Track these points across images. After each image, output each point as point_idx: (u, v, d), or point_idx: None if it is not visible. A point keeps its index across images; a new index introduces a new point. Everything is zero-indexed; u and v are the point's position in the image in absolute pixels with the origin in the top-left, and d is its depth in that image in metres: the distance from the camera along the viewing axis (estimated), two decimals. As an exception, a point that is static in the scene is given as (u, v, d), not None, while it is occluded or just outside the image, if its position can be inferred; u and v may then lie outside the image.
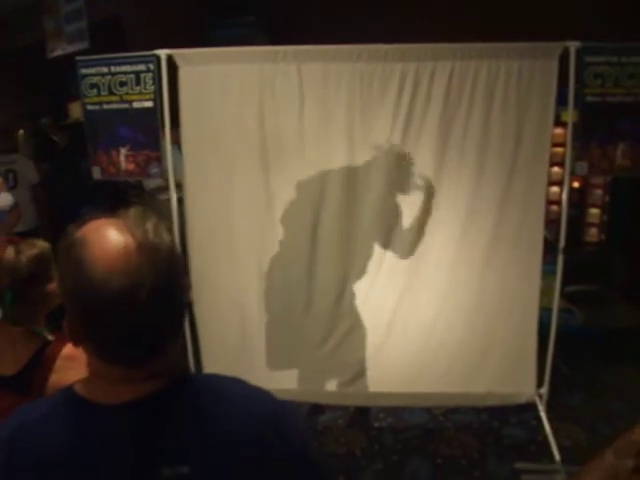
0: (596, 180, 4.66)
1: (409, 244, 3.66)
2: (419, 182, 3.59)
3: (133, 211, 1.11)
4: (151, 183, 4.56)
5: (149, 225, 1.06)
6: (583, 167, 3.53)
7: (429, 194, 3.60)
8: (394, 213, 3.64)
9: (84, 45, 4.87)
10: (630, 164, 3.49)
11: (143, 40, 3.73)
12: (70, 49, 5.02)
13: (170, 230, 1.14)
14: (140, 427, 1.04)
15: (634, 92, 3.40)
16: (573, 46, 3.37)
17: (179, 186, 3.73)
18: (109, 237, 1.03)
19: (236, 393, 1.18)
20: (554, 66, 3.41)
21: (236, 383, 1.22)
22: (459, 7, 4.39)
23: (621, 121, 3.44)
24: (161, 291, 1.00)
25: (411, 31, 3.44)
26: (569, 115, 3.52)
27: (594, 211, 4.74)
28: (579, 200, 4.71)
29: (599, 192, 4.71)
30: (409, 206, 3.63)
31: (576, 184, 4.66)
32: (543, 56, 3.42)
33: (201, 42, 4.08)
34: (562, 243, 3.60)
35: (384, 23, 4.06)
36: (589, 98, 3.42)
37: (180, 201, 3.74)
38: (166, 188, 3.86)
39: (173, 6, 4.70)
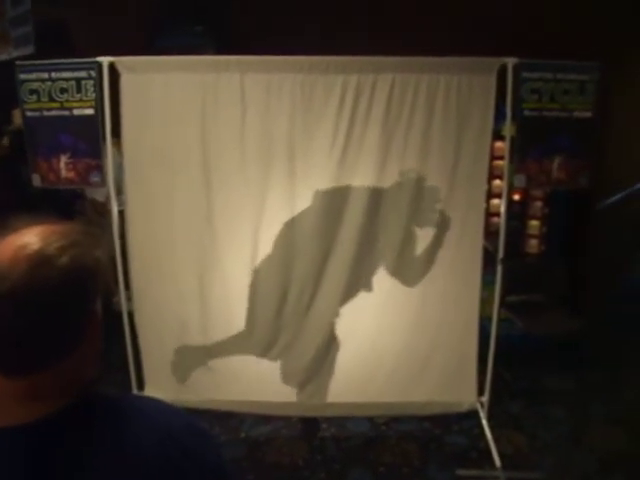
0: (536, 193, 4.77)
1: (351, 253, 3.69)
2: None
3: (68, 225, 1.11)
4: (94, 193, 4.50)
5: (61, 242, 1.04)
6: (522, 180, 3.61)
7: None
8: (333, 223, 3.66)
9: (30, 50, 4.78)
10: (566, 177, 3.58)
11: (91, 46, 3.66)
12: (15, 53, 4.92)
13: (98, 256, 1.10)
14: (29, 452, 1.00)
15: (569, 108, 3.50)
16: (510, 62, 3.46)
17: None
18: (9, 240, 1.03)
19: (143, 411, 1.14)
20: (492, 81, 3.49)
21: (147, 402, 1.19)
22: (401, 23, 4.44)
23: (557, 136, 3.53)
24: (39, 305, 0.98)
25: (356, 44, 3.46)
26: (507, 129, 3.60)
27: (534, 223, 4.85)
28: (520, 212, 4.82)
29: (539, 204, 4.82)
30: (350, 216, 3.66)
31: (517, 197, 4.77)
32: (482, 71, 3.50)
33: (149, 50, 4.05)
34: (501, 254, 3.67)
35: (334, 36, 4.07)
36: (526, 112, 3.50)
37: (121, 213, 3.70)
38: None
39: (122, 13, 4.66)
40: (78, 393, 1.08)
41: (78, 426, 1.05)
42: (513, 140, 3.58)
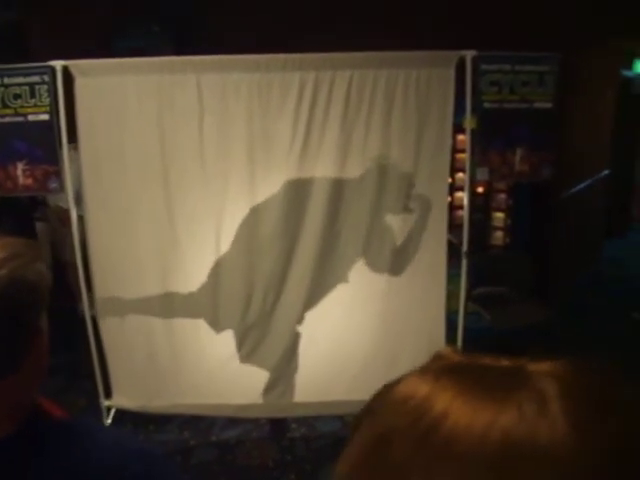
0: (500, 185, 4.78)
1: (314, 250, 3.67)
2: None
3: (8, 238, 1.05)
4: (57, 200, 4.42)
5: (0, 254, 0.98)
6: (484, 172, 3.61)
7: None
8: (295, 223, 3.63)
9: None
10: (528, 169, 3.58)
11: (45, 50, 3.60)
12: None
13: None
14: None
15: (529, 99, 3.50)
16: (469, 55, 3.44)
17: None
18: None
19: (96, 438, 1.08)
20: (451, 74, 3.48)
21: (101, 429, 1.16)
22: (360, 17, 4.42)
23: (518, 127, 3.53)
24: None
25: (313, 41, 3.43)
26: (468, 122, 3.59)
27: (498, 215, 4.86)
28: (484, 205, 4.82)
29: (503, 197, 4.82)
30: (312, 213, 3.63)
31: (480, 189, 4.77)
32: (440, 65, 3.48)
33: (105, 53, 3.98)
34: (466, 247, 3.67)
35: (289, 31, 4.04)
36: (486, 105, 3.51)
37: (82, 218, 3.65)
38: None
39: (75, 15, 4.58)
40: (24, 417, 1.01)
41: (26, 454, 0.99)
42: (474, 133, 3.57)
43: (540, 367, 0.50)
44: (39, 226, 4.81)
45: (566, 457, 0.42)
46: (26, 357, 0.99)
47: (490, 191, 4.79)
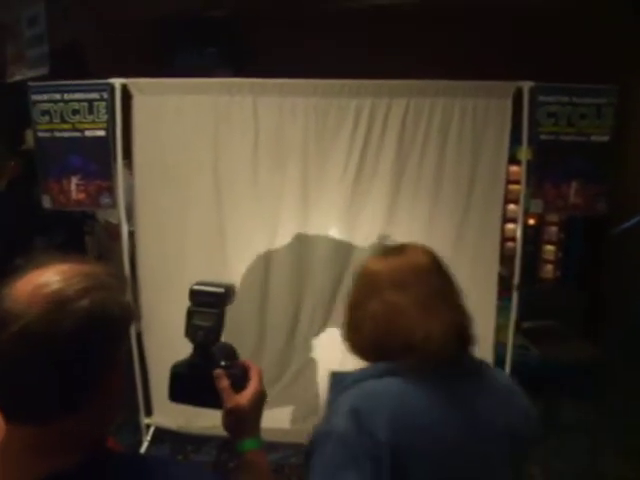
0: (551, 218, 4.71)
1: None
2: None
3: (95, 265, 1.03)
4: (107, 215, 4.46)
5: (84, 283, 0.96)
6: (538, 205, 3.55)
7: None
8: (345, 251, 3.61)
9: (44, 70, 4.78)
10: (583, 203, 3.52)
11: (104, 67, 3.65)
12: (30, 74, 4.91)
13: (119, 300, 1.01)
14: None
15: (586, 132, 3.45)
16: (526, 85, 3.41)
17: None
18: (30, 277, 0.96)
19: (167, 475, 1.04)
20: (508, 105, 3.45)
21: (166, 467, 1.08)
22: (418, 48, 4.41)
23: (574, 160, 3.47)
24: (52, 349, 0.90)
25: (373, 68, 3.43)
26: (523, 153, 3.55)
27: (549, 248, 4.78)
28: (535, 237, 4.75)
29: (554, 229, 4.75)
30: (360, 243, 3.61)
31: (532, 221, 4.70)
32: (497, 95, 3.46)
33: (162, 71, 4.03)
34: (517, 279, 3.60)
35: (348, 58, 4.05)
36: (543, 136, 3.46)
37: (132, 234, 3.67)
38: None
39: (136, 35, 4.66)
40: (91, 450, 0.99)
41: None
42: (529, 164, 3.52)
43: None
44: (89, 240, 4.85)
45: None
46: (100, 391, 0.97)
47: (541, 224, 4.73)
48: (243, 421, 1.26)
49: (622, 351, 4.13)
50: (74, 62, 4.82)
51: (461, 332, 1.40)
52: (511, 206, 4.17)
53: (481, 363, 1.45)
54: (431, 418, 1.27)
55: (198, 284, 1.32)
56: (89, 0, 4.56)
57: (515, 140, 3.53)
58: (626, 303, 4.23)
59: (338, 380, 1.42)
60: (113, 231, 4.01)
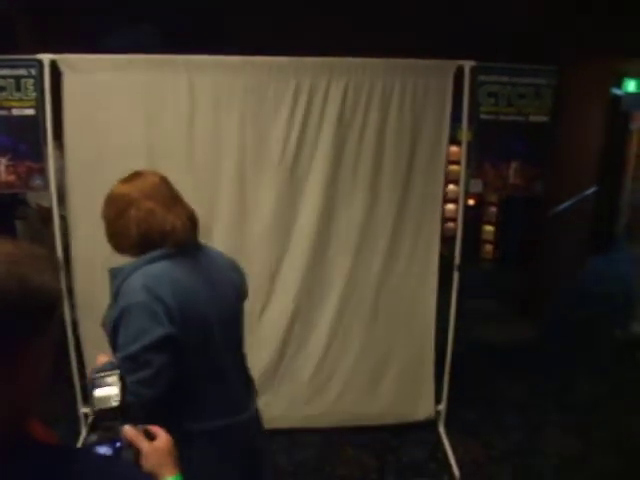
0: (491, 198, 4.75)
1: (303, 259, 3.59)
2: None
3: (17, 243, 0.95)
4: (39, 198, 4.29)
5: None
6: (478, 185, 3.56)
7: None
8: (284, 230, 3.56)
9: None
10: (522, 183, 3.54)
11: (35, 45, 3.46)
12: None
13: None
14: None
15: (524, 112, 3.46)
16: (467, 65, 3.40)
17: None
18: None
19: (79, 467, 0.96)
20: (448, 84, 3.44)
21: (96, 461, 1.03)
22: (359, 26, 4.36)
23: (513, 141, 3.49)
24: None
25: (311, 45, 3.36)
26: (464, 134, 3.54)
27: (489, 228, 4.82)
28: (475, 217, 4.78)
29: (493, 210, 4.79)
30: (303, 220, 3.56)
31: (472, 202, 4.73)
32: (438, 74, 3.44)
33: (95, 50, 3.87)
34: (458, 260, 3.61)
35: (289, 36, 3.95)
36: (483, 116, 3.46)
37: (64, 218, 3.54)
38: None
39: (67, 12, 4.47)
40: (6, 439, 0.91)
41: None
42: (469, 145, 3.52)
43: None
44: (19, 225, 4.66)
45: None
46: (10, 375, 0.90)
47: (481, 204, 4.77)
48: (165, 461, 1.23)
49: (558, 329, 4.21)
50: (2, 39, 4.59)
51: (194, 223, 1.99)
52: (451, 187, 4.20)
53: (206, 244, 2.07)
54: (191, 283, 1.83)
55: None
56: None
57: (455, 119, 3.53)
58: (560, 284, 4.31)
59: (117, 272, 1.90)
60: (46, 215, 3.84)
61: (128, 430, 1.19)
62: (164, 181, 2.05)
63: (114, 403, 1.20)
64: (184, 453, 1.30)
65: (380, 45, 3.28)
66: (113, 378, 1.25)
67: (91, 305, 3.60)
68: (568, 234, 4.33)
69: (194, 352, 1.81)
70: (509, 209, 4.73)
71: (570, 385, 4.39)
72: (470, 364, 4.25)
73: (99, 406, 1.20)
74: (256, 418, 2.18)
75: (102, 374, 1.25)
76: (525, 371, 4.43)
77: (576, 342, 4.44)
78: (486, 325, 4.55)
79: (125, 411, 1.20)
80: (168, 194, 1.99)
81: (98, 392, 1.22)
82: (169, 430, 1.29)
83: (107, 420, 1.17)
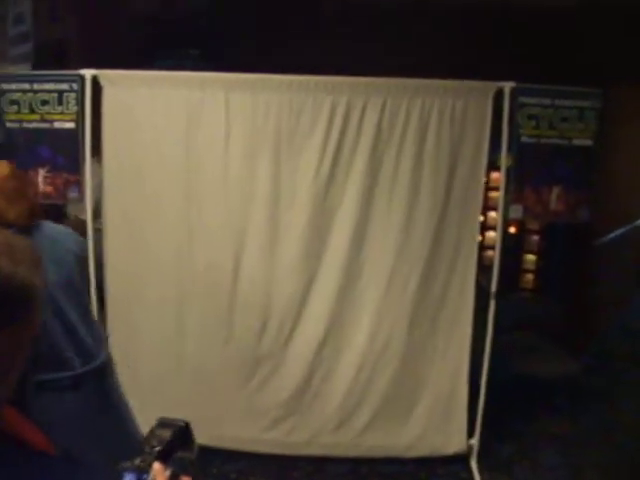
0: (532, 225, 4.59)
1: (334, 284, 3.52)
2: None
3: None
4: (78, 211, 4.35)
5: None
6: (518, 210, 3.45)
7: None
8: (316, 253, 3.50)
9: (27, 68, 4.74)
10: (564, 209, 3.41)
11: (86, 66, 3.55)
12: (12, 70, 4.88)
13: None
14: None
15: (567, 135, 3.35)
16: (507, 86, 3.32)
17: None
18: None
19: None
20: (488, 106, 3.36)
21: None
22: (397, 47, 4.33)
23: (555, 165, 3.38)
24: None
25: (348, 65, 3.34)
26: (503, 159, 3.44)
27: (530, 257, 4.66)
28: (515, 246, 4.63)
29: (535, 238, 4.63)
30: (336, 243, 3.50)
31: (513, 229, 4.59)
32: (477, 95, 3.36)
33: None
34: (494, 287, 3.48)
35: (328, 57, 3.95)
36: (524, 139, 3.37)
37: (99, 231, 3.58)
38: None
39: (119, 35, 4.60)
40: None
41: None
42: (509, 171, 3.42)
43: None
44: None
45: None
46: None
47: (523, 232, 4.62)
48: None
49: (601, 364, 3.99)
50: (57, 60, 4.75)
51: (34, 215, 2.20)
52: (492, 214, 4.07)
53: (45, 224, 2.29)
54: None
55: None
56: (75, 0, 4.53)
57: (495, 146, 3.43)
58: (605, 317, 4.11)
59: None
60: (81, 227, 3.88)
61: (158, 469, 1.15)
62: (14, 170, 2.22)
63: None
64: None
65: (416, 66, 3.25)
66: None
67: (121, 318, 3.61)
68: (614, 266, 4.13)
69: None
70: (552, 237, 4.57)
71: (614, 423, 4.15)
72: (507, 397, 4.06)
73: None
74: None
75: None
76: (566, 407, 4.22)
77: (620, 378, 4.21)
78: (525, 357, 4.37)
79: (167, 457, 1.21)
80: (13, 187, 2.15)
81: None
82: None
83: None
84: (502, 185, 3.48)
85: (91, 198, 3.49)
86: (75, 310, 2.28)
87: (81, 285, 2.41)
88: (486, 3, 4.13)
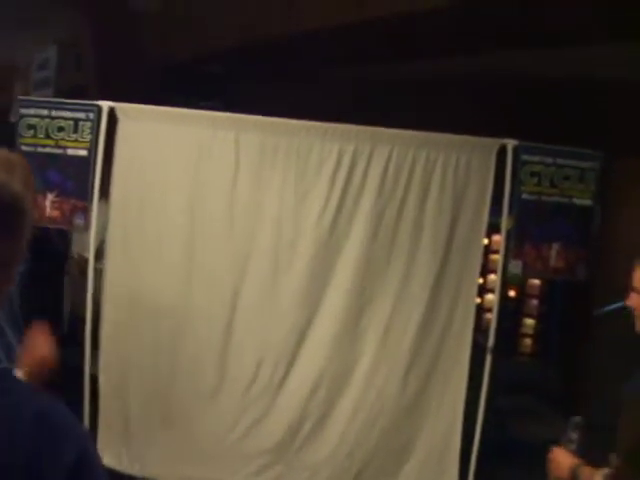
0: (533, 290, 4.56)
1: (332, 328, 3.48)
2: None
3: None
4: (82, 249, 4.38)
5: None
6: (517, 266, 3.45)
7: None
8: (316, 294, 3.49)
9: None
10: (564, 266, 3.41)
11: (98, 92, 3.71)
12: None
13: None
14: None
15: (569, 194, 3.39)
16: (510, 144, 3.41)
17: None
18: None
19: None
20: (491, 161, 3.43)
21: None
22: (402, 102, 4.48)
23: (556, 222, 3.41)
24: None
25: (358, 115, 3.46)
26: (504, 218, 3.46)
27: (529, 321, 4.61)
28: (515, 310, 4.58)
29: (534, 302, 4.60)
30: (335, 288, 3.49)
31: (512, 293, 4.55)
32: (481, 151, 3.44)
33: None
34: (491, 342, 3.42)
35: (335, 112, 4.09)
36: (525, 196, 3.41)
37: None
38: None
39: (138, 83, 4.79)
40: None
41: None
42: (509, 233, 3.44)
43: None
44: (65, 280, 4.74)
45: None
46: None
47: (522, 295, 4.58)
48: None
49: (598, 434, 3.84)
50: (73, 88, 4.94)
51: None
52: (492, 276, 4.06)
53: None
54: None
55: None
56: (99, 49, 4.75)
57: (497, 209, 3.47)
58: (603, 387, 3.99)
59: None
60: (84, 265, 3.90)
61: None
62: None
63: None
64: None
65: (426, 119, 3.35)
66: None
67: (114, 356, 3.57)
68: (615, 335, 4.06)
69: None
70: (552, 301, 4.53)
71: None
72: (502, 459, 3.90)
73: None
74: None
75: None
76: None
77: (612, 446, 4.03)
78: (521, 420, 4.22)
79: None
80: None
81: None
82: None
83: None
84: (502, 245, 3.50)
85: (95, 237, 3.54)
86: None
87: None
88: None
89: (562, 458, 1.90)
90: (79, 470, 0.85)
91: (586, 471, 1.76)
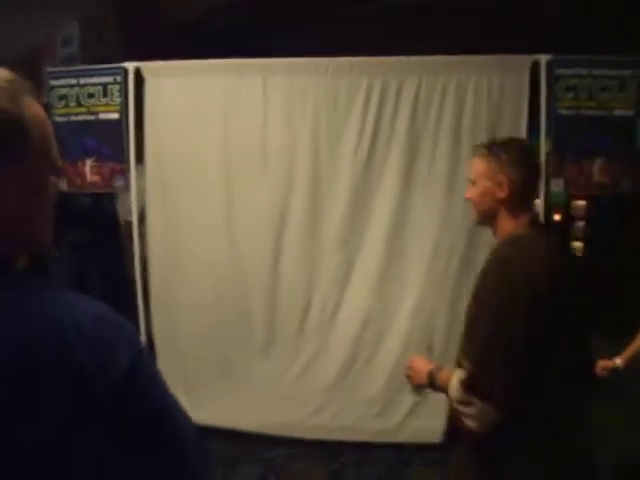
0: (578, 212, 4.43)
1: (377, 262, 3.49)
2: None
3: None
4: (126, 214, 4.47)
5: None
6: (559, 184, 3.37)
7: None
8: (357, 231, 3.49)
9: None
10: (608, 181, 3.32)
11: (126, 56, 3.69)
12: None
13: None
14: None
15: (608, 106, 3.28)
16: (543, 59, 3.29)
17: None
18: None
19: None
20: (525, 79, 3.32)
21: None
22: (429, 23, 4.36)
23: (597, 137, 3.30)
24: None
25: (381, 44, 3.38)
26: (542, 140, 3.36)
27: (577, 245, 4.49)
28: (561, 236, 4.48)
29: (580, 224, 4.49)
30: (377, 222, 3.48)
31: (557, 217, 4.42)
32: (513, 69, 3.34)
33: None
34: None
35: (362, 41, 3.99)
36: (562, 111, 3.31)
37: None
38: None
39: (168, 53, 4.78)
40: None
41: None
42: (548, 155, 3.35)
43: None
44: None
45: None
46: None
47: (568, 218, 4.47)
48: None
49: None
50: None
51: None
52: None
53: None
54: None
55: None
56: (120, 20, 4.73)
57: (533, 131, 3.37)
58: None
59: None
60: (130, 230, 3.98)
61: None
62: None
63: None
64: None
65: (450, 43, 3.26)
66: None
67: (165, 310, 3.67)
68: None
69: None
70: (598, 223, 4.40)
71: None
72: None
73: None
74: None
75: None
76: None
77: None
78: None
79: None
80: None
81: None
82: None
83: None
84: (542, 169, 3.41)
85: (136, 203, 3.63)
86: None
87: None
88: None
89: (420, 364, 1.90)
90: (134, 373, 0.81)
91: (443, 375, 1.79)
